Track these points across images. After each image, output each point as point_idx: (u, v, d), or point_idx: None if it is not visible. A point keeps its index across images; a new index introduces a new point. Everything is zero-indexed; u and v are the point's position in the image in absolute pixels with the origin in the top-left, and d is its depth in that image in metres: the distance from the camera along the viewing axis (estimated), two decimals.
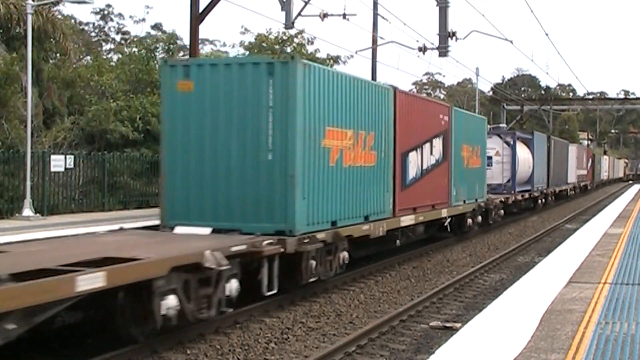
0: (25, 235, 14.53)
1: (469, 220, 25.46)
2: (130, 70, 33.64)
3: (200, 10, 24.84)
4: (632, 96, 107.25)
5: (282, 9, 24.15)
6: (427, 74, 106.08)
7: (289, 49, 45.50)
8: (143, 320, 10.15)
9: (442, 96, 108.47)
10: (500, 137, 34.34)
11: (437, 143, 21.75)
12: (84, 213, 23.10)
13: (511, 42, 35.82)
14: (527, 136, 38.89)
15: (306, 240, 13.68)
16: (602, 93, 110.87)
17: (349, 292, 15.68)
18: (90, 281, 8.84)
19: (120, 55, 46.78)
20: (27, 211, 20.80)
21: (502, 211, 30.71)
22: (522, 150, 35.99)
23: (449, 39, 28.26)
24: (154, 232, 14.26)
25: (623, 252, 15.96)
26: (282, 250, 13.01)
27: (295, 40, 45.57)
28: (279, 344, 11.39)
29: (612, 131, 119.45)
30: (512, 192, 33.70)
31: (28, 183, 20.81)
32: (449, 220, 23.10)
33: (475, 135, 26.44)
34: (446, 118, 22.77)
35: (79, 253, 10.30)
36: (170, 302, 10.22)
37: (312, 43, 46.19)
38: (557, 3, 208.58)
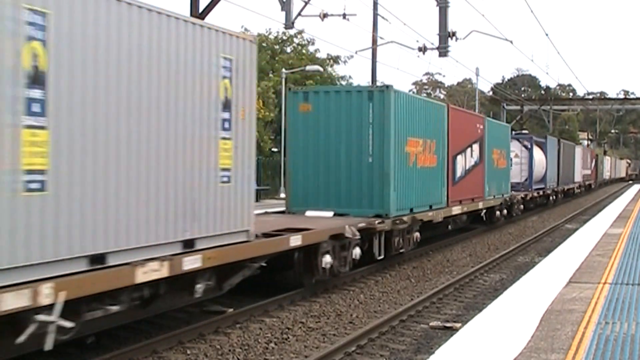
0: None
1: (497, 213, 30.13)
2: None
3: (200, 10, 24.86)
4: (632, 96, 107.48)
5: (282, 9, 24.17)
6: (427, 74, 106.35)
7: (288, 49, 45.54)
8: (310, 271, 14.82)
9: (442, 96, 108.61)
10: (519, 141, 38.37)
11: (476, 148, 26.59)
12: None
13: (511, 42, 35.89)
14: (541, 140, 42.77)
15: (397, 222, 18.39)
16: (602, 93, 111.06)
17: (349, 292, 15.69)
18: (295, 241, 13.71)
19: None
20: None
21: (522, 206, 35.57)
22: (537, 153, 39.93)
23: (449, 39, 28.27)
24: (290, 215, 18.38)
25: (623, 252, 15.97)
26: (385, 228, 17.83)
27: (295, 40, 45.62)
28: (279, 344, 11.39)
29: (612, 131, 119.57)
30: (530, 189, 37.93)
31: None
32: (484, 211, 28.25)
33: (502, 140, 31.25)
34: (481, 127, 27.38)
35: (270, 225, 14.62)
36: (327, 259, 14.88)
37: (313, 43, 46.27)
38: (557, 3, 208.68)
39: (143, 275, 9.54)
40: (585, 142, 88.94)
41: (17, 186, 7.86)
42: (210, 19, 20.97)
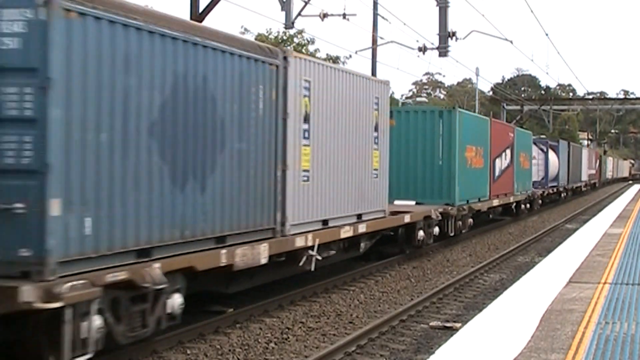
0: None
1: (522, 206, 36.36)
2: None
3: (200, 10, 24.86)
4: (632, 96, 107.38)
5: (282, 9, 24.15)
6: (427, 74, 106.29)
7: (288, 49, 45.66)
8: (409, 242, 20.42)
9: (442, 96, 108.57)
10: (536, 145, 42.82)
11: (508, 152, 32.34)
12: None
13: (511, 42, 35.84)
14: (554, 143, 48.02)
15: (460, 209, 23.97)
16: (602, 93, 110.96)
17: (349, 292, 15.69)
18: (407, 218, 19.35)
19: None
20: None
21: (540, 200, 41.61)
22: (551, 155, 45.52)
23: (449, 39, 28.27)
24: None
25: (623, 252, 15.97)
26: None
27: (295, 40, 45.61)
28: (279, 344, 11.39)
29: (612, 131, 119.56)
30: (546, 186, 43.57)
31: None
32: (514, 204, 34.32)
33: (526, 145, 37.31)
34: (512, 134, 33.39)
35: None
36: (421, 233, 20.39)
37: (313, 43, 46.29)
38: (557, 3, 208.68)
39: (343, 233, 15.72)
40: (585, 142, 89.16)
41: (301, 179, 14.01)
42: (210, 18, 20.96)
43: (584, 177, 61.15)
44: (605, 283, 11.76)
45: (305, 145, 14.12)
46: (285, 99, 13.32)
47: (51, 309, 7.98)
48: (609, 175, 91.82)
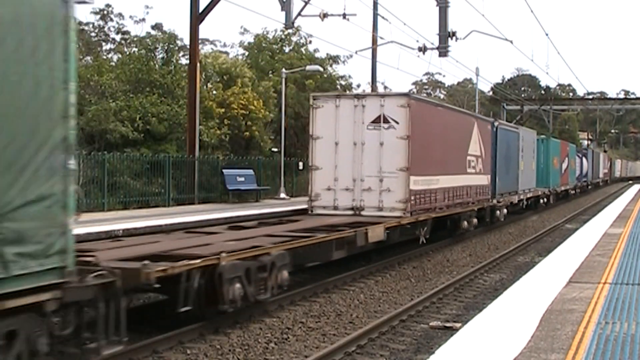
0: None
1: (572, 192, 55.92)
2: (130, 70, 33.63)
3: (200, 10, 24.83)
4: (632, 96, 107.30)
5: (282, 9, 24.17)
6: (427, 74, 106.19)
7: (287, 49, 45.51)
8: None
9: (442, 96, 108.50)
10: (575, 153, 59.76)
11: (566, 159, 50.33)
12: (84, 213, 23.04)
13: (511, 42, 35.88)
14: (585, 151, 68.09)
15: (552, 190, 39.10)
16: (602, 93, 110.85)
17: (349, 292, 15.69)
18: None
19: (120, 55, 46.78)
20: None
21: (579, 189, 60.43)
22: (583, 160, 63.49)
23: (449, 39, 28.31)
24: None
25: (623, 252, 15.95)
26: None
27: (293, 39, 45.55)
28: (279, 344, 11.39)
29: (612, 131, 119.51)
30: (581, 181, 62.19)
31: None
32: (569, 190, 52.64)
33: (572, 153, 53.86)
34: (568, 147, 50.90)
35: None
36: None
37: (310, 42, 46.22)
38: (557, 3, 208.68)
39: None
40: (585, 142, 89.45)
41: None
42: (210, 19, 20.95)
43: (601, 176, 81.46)
44: (605, 283, 11.75)
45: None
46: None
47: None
48: (617, 174, 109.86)
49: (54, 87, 7.74)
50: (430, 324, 12.99)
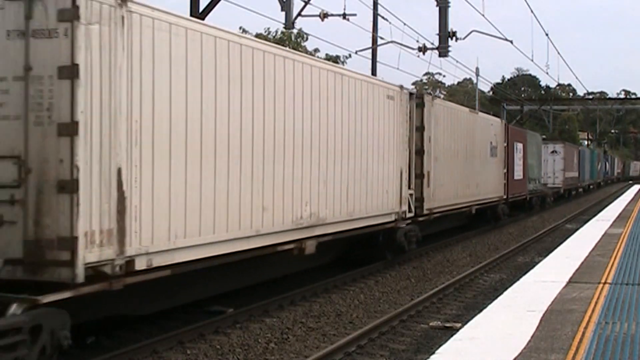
0: None
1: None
2: None
3: (200, 10, 24.81)
4: (632, 96, 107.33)
5: (282, 9, 24.15)
6: (427, 74, 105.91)
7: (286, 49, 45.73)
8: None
9: (442, 96, 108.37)
10: (602, 156, 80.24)
11: (596, 160, 69.12)
12: None
13: (511, 42, 35.81)
14: (607, 156, 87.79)
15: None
16: (602, 93, 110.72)
17: (349, 292, 15.69)
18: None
19: None
20: None
21: (603, 182, 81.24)
22: (607, 162, 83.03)
23: (449, 39, 28.27)
24: None
25: (623, 252, 15.96)
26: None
27: (292, 38, 45.64)
28: (279, 344, 11.39)
29: (612, 131, 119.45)
30: (606, 176, 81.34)
31: None
32: (599, 183, 73.64)
33: (600, 157, 71.43)
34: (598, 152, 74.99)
35: None
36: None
37: (307, 39, 46.34)
38: (557, 3, 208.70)
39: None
40: (586, 142, 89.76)
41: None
42: (210, 19, 20.93)
43: (615, 174, 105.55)
44: (605, 283, 11.76)
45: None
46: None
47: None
48: (633, 173, 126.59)
49: None
50: (430, 324, 12.99)
